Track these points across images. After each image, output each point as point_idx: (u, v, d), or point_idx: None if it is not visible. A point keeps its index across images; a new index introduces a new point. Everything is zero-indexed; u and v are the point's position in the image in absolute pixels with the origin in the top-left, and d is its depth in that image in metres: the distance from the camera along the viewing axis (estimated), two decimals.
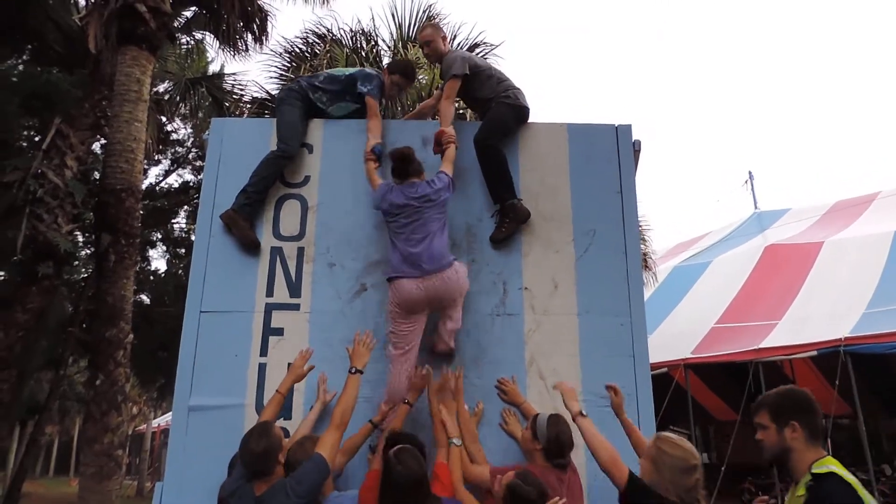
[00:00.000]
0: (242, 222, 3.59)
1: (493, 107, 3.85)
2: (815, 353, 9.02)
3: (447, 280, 3.20)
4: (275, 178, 3.70)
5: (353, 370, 2.94)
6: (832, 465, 2.13)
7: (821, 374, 11.38)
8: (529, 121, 3.93)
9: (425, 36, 4.17)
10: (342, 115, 4.03)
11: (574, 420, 2.72)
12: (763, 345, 9.52)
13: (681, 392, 10.25)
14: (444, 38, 4.15)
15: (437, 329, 3.38)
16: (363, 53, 9.07)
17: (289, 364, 3.28)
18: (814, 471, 2.14)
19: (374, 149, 3.66)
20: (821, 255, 11.59)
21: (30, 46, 10.93)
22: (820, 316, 9.77)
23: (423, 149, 3.78)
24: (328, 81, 3.99)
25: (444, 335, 3.36)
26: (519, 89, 3.90)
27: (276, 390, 3.04)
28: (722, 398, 13.10)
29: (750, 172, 17.19)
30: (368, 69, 4.18)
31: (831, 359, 8.89)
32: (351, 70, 4.11)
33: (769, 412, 2.27)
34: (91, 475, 7.25)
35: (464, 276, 3.31)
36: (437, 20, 9.77)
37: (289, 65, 9.51)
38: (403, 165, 3.41)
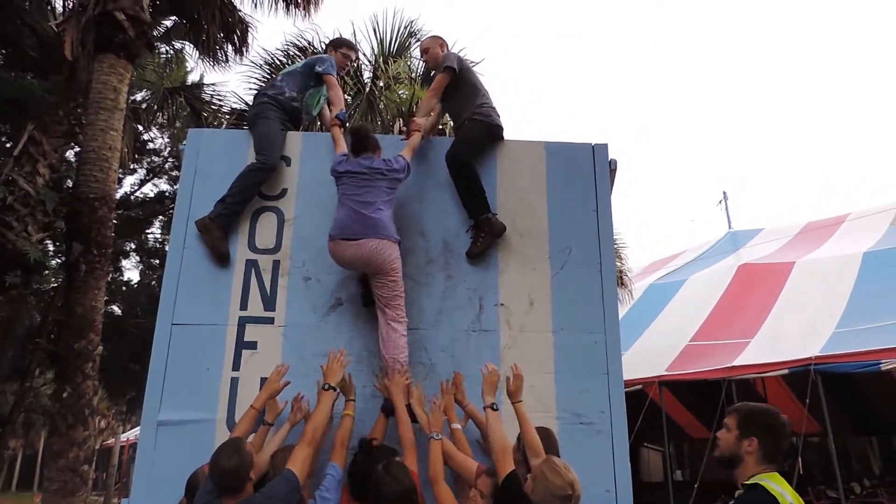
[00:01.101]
0: (216, 232, 3.56)
1: (466, 124, 3.88)
2: (786, 371, 9.15)
3: (379, 249, 3.27)
4: (255, 190, 3.68)
5: (327, 386, 2.92)
6: (767, 479, 2.22)
7: (792, 392, 11.53)
8: (507, 138, 3.96)
9: (424, 45, 4.28)
10: (317, 100, 4.14)
11: (483, 409, 2.89)
12: (736, 363, 9.63)
13: (655, 409, 10.31)
14: (442, 45, 4.21)
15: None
16: (352, 61, 9.08)
17: (262, 379, 3.23)
18: (745, 482, 2.25)
19: (339, 115, 3.85)
20: (792, 275, 11.80)
21: (4, 51, 10.78)
22: (791, 335, 9.92)
23: None
24: (288, 78, 4.10)
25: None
26: (494, 108, 3.94)
27: (251, 405, 2.98)
28: (696, 415, 13.21)
29: (724, 192, 17.46)
30: (319, 55, 4.34)
31: (802, 377, 9.01)
32: (301, 62, 4.31)
33: (738, 418, 2.36)
34: (55, 491, 7.06)
35: (391, 253, 3.32)
36: (418, 35, 9.87)
37: (269, 76, 9.48)
38: (359, 141, 3.54)
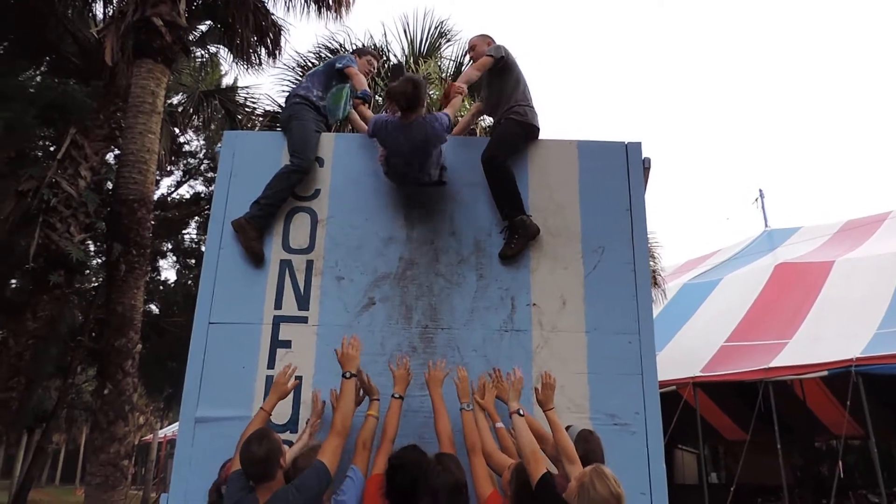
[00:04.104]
0: (252, 232, 3.61)
1: (503, 123, 3.87)
2: (825, 373, 8.94)
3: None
4: (288, 192, 3.73)
5: (348, 375, 2.95)
6: None
7: (832, 395, 11.27)
8: (539, 137, 3.94)
9: (472, 42, 4.26)
10: (338, 99, 4.16)
11: (509, 416, 2.82)
12: (773, 364, 9.44)
13: (689, 411, 10.16)
14: (490, 43, 4.18)
15: None
16: (374, 68, 9.15)
17: (297, 377, 3.28)
18: None
19: (362, 93, 3.90)
20: (832, 274, 11.52)
21: (48, 58, 11.11)
22: (831, 335, 9.69)
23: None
24: (313, 78, 4.14)
25: None
26: (532, 107, 3.92)
27: (261, 408, 3.00)
28: (731, 417, 12.99)
29: (760, 190, 17.12)
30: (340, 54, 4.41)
31: (842, 379, 8.81)
32: (324, 63, 4.39)
33: None
34: (97, 485, 7.24)
35: None
36: (449, 36, 9.89)
37: (301, 79, 9.60)
38: (407, 96, 3.42)
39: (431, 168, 3.58)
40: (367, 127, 3.78)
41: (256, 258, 3.61)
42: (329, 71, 4.13)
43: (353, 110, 4.33)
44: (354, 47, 9.53)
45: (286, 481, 2.66)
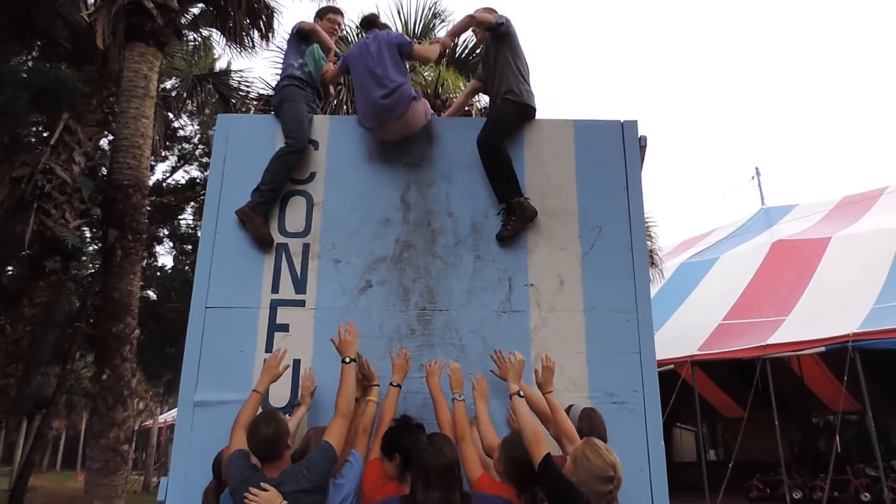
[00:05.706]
0: (258, 219, 3.60)
1: (499, 103, 3.84)
2: (822, 349, 9.02)
3: (409, 121, 3.64)
4: (287, 174, 3.71)
5: (347, 360, 2.99)
6: None
7: (829, 371, 11.36)
8: (535, 117, 3.91)
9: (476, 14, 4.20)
10: (315, 59, 4.15)
11: (510, 397, 2.84)
12: (770, 341, 9.51)
13: (687, 389, 10.24)
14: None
15: None
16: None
17: (295, 360, 3.29)
18: None
19: (339, 54, 4.06)
20: (828, 251, 11.57)
21: (39, 43, 10.97)
22: (828, 311, 9.75)
23: (428, 143, 3.80)
24: (287, 53, 4.17)
25: None
26: (529, 87, 3.87)
27: (254, 390, 3.03)
28: (729, 395, 13.10)
29: (757, 168, 17.19)
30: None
31: (839, 355, 8.88)
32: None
33: None
34: (97, 470, 7.28)
35: (422, 113, 3.68)
36: (443, 16, 9.79)
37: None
38: (367, 21, 4.03)
39: (395, 73, 3.62)
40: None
41: (266, 243, 3.60)
42: (293, 37, 4.12)
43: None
44: (353, 23, 9.43)
45: (291, 460, 2.72)
